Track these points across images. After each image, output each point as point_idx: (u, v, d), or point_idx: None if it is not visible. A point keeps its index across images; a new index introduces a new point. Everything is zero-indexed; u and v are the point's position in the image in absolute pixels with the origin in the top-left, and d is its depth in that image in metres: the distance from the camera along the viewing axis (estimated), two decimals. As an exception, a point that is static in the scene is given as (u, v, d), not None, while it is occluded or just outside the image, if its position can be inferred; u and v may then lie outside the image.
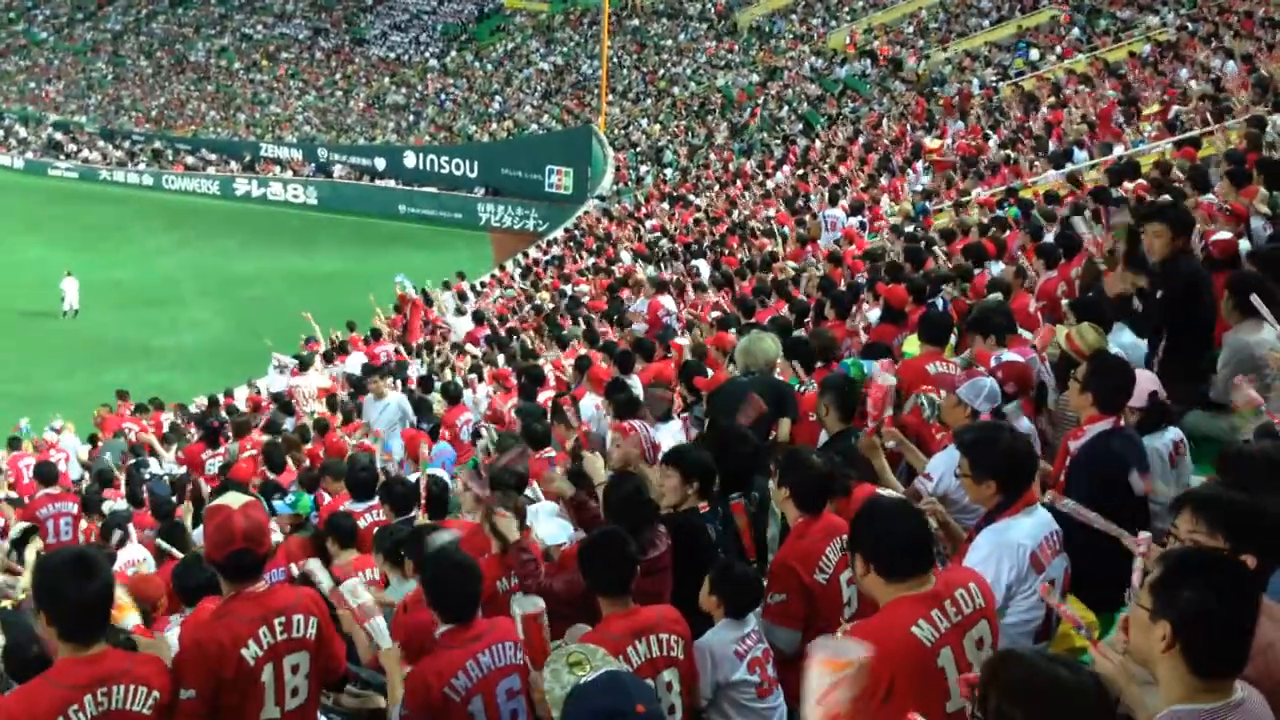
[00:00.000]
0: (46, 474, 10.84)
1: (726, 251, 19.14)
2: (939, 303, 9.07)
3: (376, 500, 7.23)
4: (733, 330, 9.91)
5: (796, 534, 4.74)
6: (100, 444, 16.84)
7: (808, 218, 18.72)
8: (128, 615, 4.22)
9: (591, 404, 9.06)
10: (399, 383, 13.48)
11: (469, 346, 16.60)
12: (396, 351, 18.70)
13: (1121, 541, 3.64)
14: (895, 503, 3.77)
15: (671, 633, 4.09)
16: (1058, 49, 30.37)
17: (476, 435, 8.88)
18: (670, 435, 7.23)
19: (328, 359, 18.70)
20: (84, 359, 25.56)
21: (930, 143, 23.46)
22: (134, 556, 8.15)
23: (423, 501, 6.52)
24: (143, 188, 48.44)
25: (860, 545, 3.54)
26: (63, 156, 52.44)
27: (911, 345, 7.42)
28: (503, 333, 17.61)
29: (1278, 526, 3.15)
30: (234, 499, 3.97)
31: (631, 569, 4.14)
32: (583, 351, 12.12)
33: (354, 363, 17.93)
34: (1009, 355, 6.21)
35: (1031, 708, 2.51)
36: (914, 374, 6.63)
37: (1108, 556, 3.84)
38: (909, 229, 15.11)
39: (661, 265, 18.94)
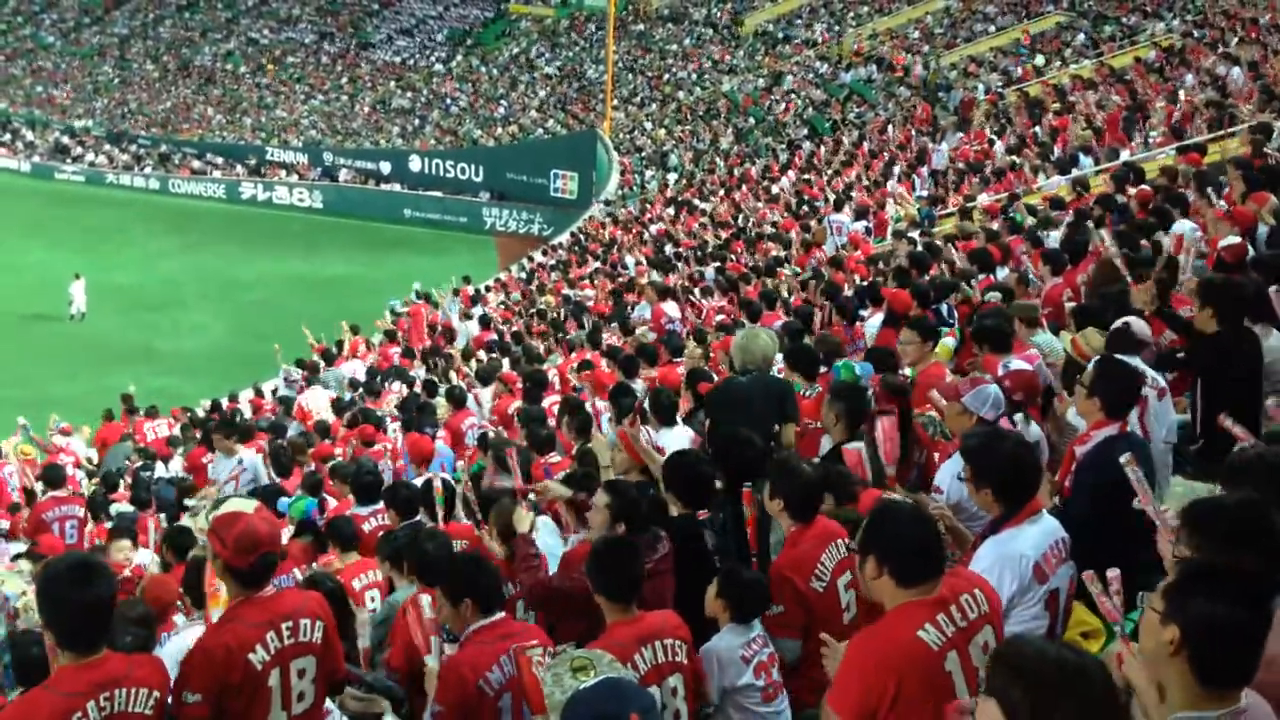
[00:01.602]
0: (53, 477, 10.87)
1: (731, 257, 19.15)
2: (943, 308, 9.08)
3: (381, 504, 7.23)
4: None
5: (790, 543, 4.77)
6: (106, 449, 16.86)
7: (813, 223, 18.75)
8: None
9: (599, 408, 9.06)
10: (394, 394, 13.35)
11: (477, 354, 16.56)
12: (403, 355, 18.75)
13: (1158, 528, 3.58)
14: (908, 507, 3.76)
15: (675, 637, 4.11)
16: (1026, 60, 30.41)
17: (484, 441, 8.87)
18: (676, 440, 7.25)
19: (328, 360, 18.75)
20: (87, 362, 25.55)
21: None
22: (141, 561, 8.15)
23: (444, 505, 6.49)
24: (149, 191, 48.47)
25: (874, 548, 3.49)
26: (69, 160, 52.50)
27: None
28: (508, 338, 17.62)
29: (1266, 530, 3.11)
30: (245, 504, 3.97)
31: (640, 578, 4.16)
32: (586, 356, 12.13)
33: (349, 369, 17.91)
34: (1016, 363, 6.21)
35: (1037, 690, 2.49)
36: (932, 383, 6.59)
37: (1107, 562, 3.82)
38: (914, 234, 15.12)
39: (666, 270, 18.95)
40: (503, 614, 4.32)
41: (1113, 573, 3.16)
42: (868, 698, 3.26)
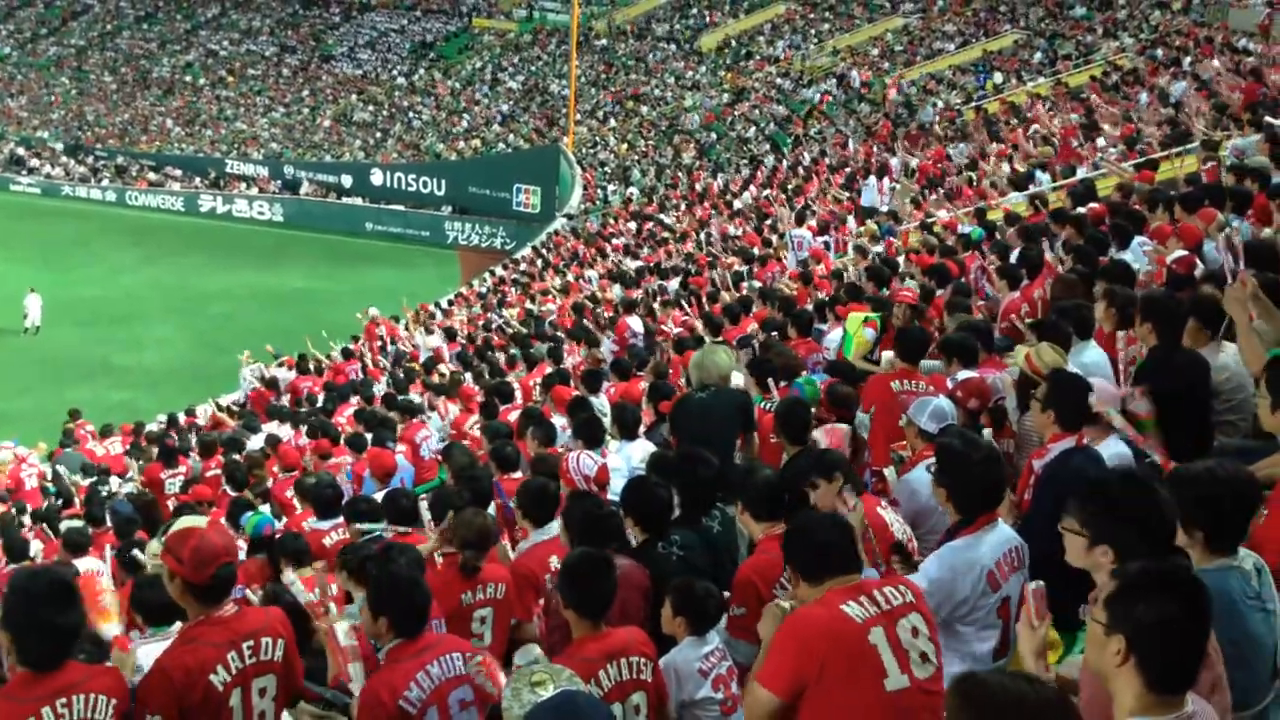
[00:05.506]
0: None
1: (693, 271, 19.20)
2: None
3: (341, 519, 7.17)
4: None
5: (761, 549, 4.78)
6: (55, 458, 16.66)
7: (774, 238, 18.84)
8: (110, 623, 4.12)
9: (559, 424, 9.04)
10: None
11: (441, 367, 16.45)
12: (365, 368, 18.62)
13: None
14: (820, 514, 3.94)
15: (640, 655, 4.10)
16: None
17: (448, 451, 8.83)
18: (637, 453, 7.27)
19: (270, 385, 18.59)
20: (45, 376, 25.25)
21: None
22: (92, 567, 8.07)
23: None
24: (106, 204, 47.86)
25: (787, 557, 3.69)
26: (25, 172, 51.77)
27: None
28: (470, 352, 17.55)
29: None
30: (197, 520, 3.93)
31: (612, 593, 4.15)
32: (548, 370, 12.11)
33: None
34: (964, 374, 6.28)
35: None
36: (878, 389, 6.67)
37: (1066, 574, 3.86)
38: (874, 249, 15.20)
39: (629, 284, 18.96)
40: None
41: (1036, 586, 3.23)
42: (799, 673, 3.38)
